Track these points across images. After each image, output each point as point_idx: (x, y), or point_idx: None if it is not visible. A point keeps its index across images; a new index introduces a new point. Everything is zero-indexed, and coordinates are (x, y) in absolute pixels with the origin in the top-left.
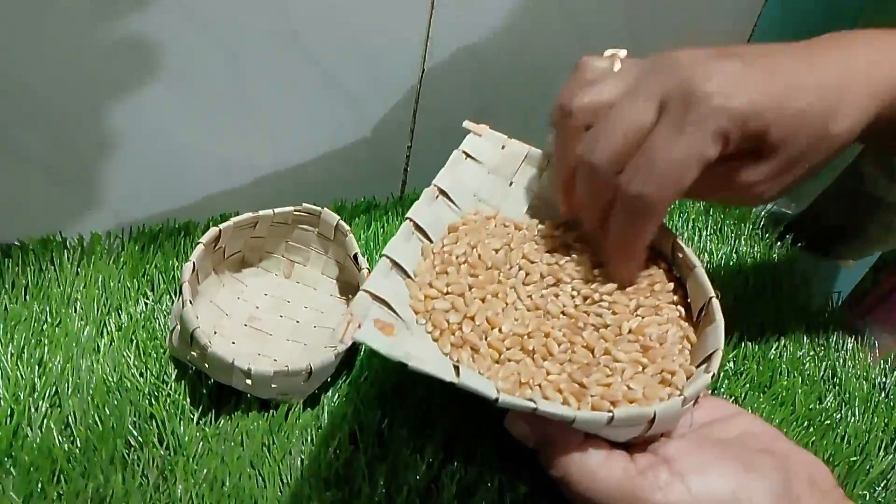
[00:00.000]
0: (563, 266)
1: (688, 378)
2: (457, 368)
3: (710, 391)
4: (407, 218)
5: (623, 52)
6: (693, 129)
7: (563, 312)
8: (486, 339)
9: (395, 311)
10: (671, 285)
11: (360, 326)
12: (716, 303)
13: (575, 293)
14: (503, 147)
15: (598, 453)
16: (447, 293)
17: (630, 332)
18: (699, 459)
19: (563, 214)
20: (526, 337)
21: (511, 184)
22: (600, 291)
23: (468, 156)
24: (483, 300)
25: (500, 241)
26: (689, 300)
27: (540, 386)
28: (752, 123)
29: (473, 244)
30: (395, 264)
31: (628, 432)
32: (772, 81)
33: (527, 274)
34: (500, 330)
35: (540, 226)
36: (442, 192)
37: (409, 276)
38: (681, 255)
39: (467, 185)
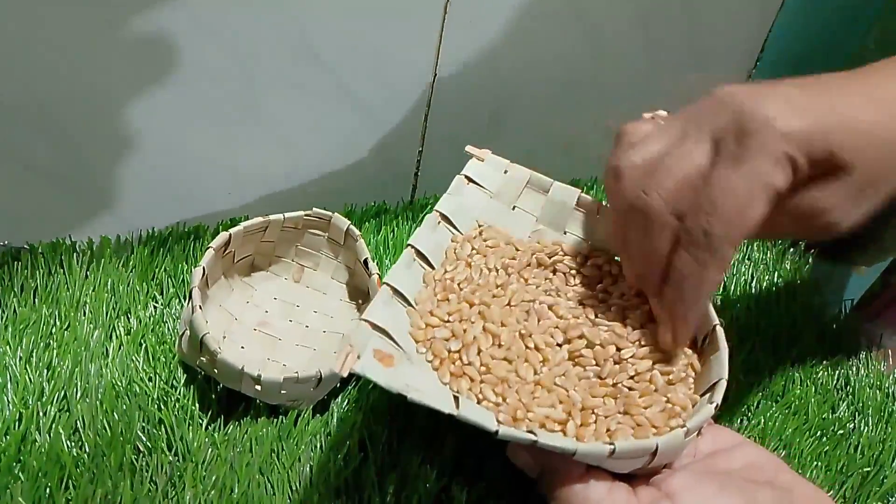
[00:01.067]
0: (566, 291)
1: (693, 406)
2: (457, 399)
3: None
4: (408, 245)
5: (663, 113)
6: (755, 158)
7: (563, 341)
8: (487, 369)
9: (395, 341)
10: None
11: (359, 357)
12: (720, 331)
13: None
14: (505, 172)
15: (600, 486)
16: (447, 321)
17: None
18: (702, 494)
19: (630, 286)
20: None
21: (514, 208)
22: (602, 317)
23: (470, 180)
24: (485, 328)
25: (500, 261)
26: None
27: (530, 420)
28: (819, 144)
29: (474, 268)
30: (397, 292)
31: (631, 464)
32: (833, 100)
33: (528, 301)
34: (505, 359)
35: (538, 249)
36: (444, 217)
37: (409, 305)
38: None
39: (470, 210)
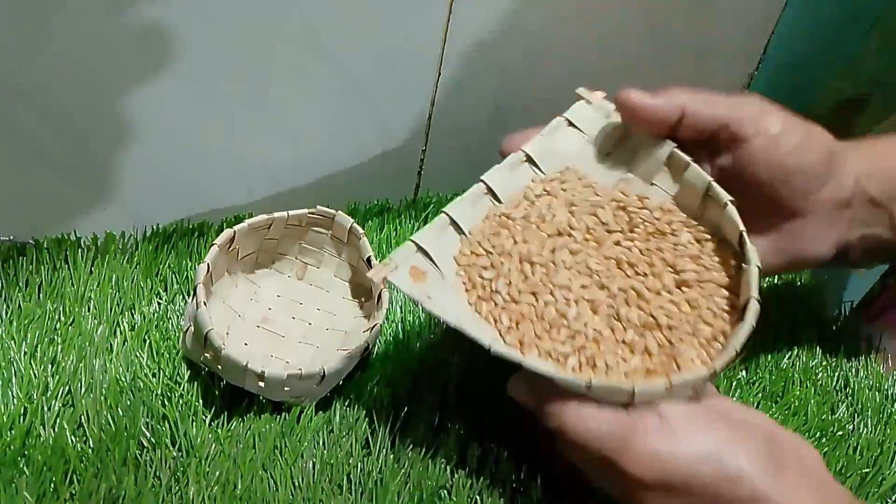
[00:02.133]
0: (627, 239)
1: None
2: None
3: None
4: (480, 180)
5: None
6: None
7: (602, 285)
8: (512, 299)
9: (434, 262)
10: (724, 279)
11: (396, 268)
12: (753, 305)
13: (625, 264)
14: (608, 117)
15: (593, 404)
16: (490, 252)
17: (655, 315)
18: (691, 418)
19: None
20: (554, 300)
21: (608, 155)
22: (648, 265)
23: (570, 123)
24: (524, 262)
25: (568, 204)
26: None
27: (538, 347)
28: None
29: (535, 208)
30: (453, 222)
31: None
32: None
33: (581, 241)
34: (533, 293)
35: (617, 196)
36: (529, 157)
37: (464, 234)
38: (741, 249)
39: (560, 153)
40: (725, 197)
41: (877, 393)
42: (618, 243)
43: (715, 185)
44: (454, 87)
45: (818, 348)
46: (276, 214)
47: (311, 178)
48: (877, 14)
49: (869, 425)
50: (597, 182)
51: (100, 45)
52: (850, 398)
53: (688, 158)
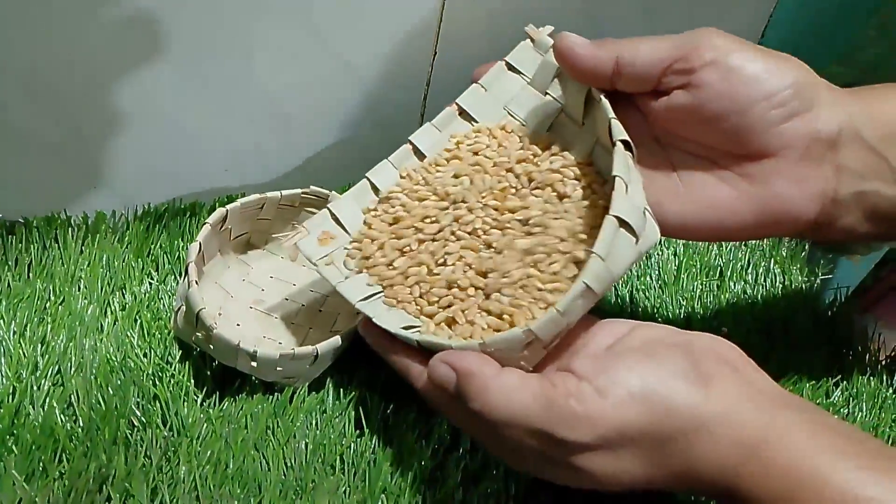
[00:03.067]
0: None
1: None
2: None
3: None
4: (408, 140)
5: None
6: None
7: (480, 245)
8: (391, 262)
9: (343, 227)
10: (583, 197)
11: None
12: (610, 220)
13: (487, 217)
14: (545, 53)
15: (512, 376)
16: (389, 212)
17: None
18: (601, 364)
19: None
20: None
21: (545, 94)
22: (509, 210)
23: (511, 68)
24: (414, 226)
25: (474, 161)
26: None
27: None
28: None
29: (446, 168)
30: (373, 185)
31: (519, 356)
32: None
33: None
34: (418, 259)
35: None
36: (462, 111)
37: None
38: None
39: (499, 98)
40: (610, 113)
41: (871, 378)
42: (504, 204)
43: (614, 121)
44: (449, 69)
45: (813, 333)
46: (269, 194)
47: (304, 160)
48: (876, 0)
49: (863, 409)
50: (527, 128)
51: (91, 28)
52: (844, 383)
53: (600, 95)
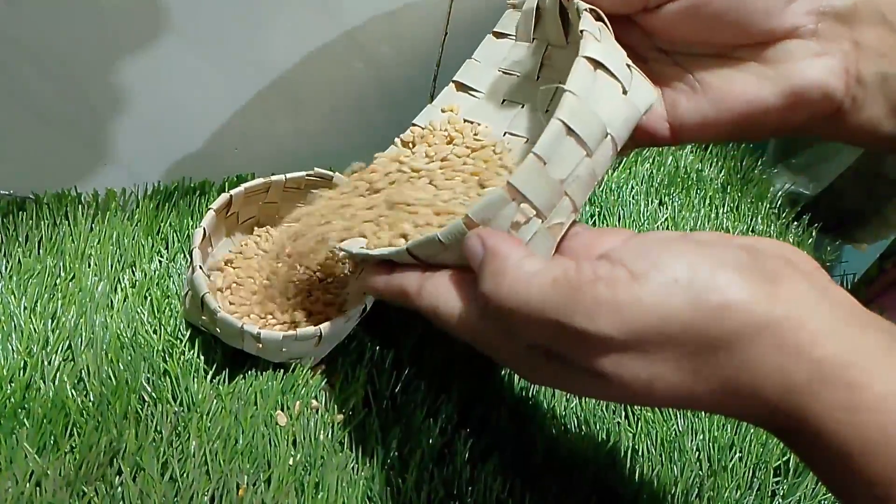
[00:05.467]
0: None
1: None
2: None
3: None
4: (413, 123)
5: None
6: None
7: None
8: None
9: None
10: None
11: None
12: (580, 61)
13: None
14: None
15: (534, 261)
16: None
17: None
18: (642, 248)
19: None
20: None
21: (533, 40)
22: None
23: (499, 35)
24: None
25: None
26: None
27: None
28: None
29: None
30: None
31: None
32: None
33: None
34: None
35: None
36: (461, 85)
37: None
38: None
39: (493, 63)
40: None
41: None
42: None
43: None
44: (460, 50)
45: None
46: (274, 178)
47: (313, 139)
48: None
49: None
50: (521, 77)
51: (103, 4)
52: None
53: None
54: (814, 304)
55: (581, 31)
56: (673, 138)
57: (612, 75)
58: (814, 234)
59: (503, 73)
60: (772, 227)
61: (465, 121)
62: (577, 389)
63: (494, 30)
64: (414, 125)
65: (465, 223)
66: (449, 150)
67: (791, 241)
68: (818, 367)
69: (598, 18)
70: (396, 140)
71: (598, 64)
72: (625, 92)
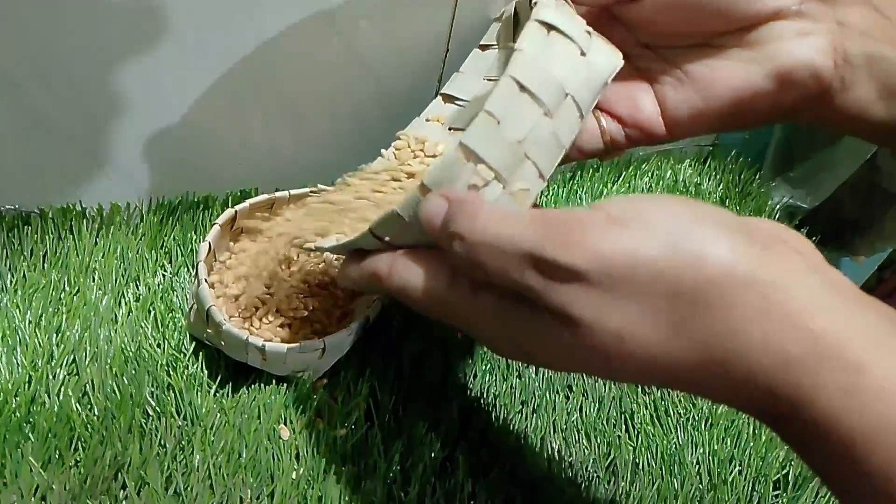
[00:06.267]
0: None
1: None
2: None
3: None
4: (398, 136)
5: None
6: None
7: None
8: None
9: None
10: None
11: None
12: (531, 23)
13: None
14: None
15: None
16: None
17: None
18: (626, 198)
19: None
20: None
21: (511, 44)
22: None
23: (484, 48)
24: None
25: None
26: None
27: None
28: None
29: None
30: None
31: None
32: None
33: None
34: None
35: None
36: (448, 97)
37: None
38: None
39: (479, 73)
40: None
41: None
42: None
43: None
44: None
45: None
46: (278, 194)
47: (316, 152)
48: None
49: None
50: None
51: (107, 14)
52: None
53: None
54: (804, 275)
55: (534, 2)
56: (668, 134)
57: (567, 37)
58: None
59: (486, 80)
60: None
61: (450, 129)
62: (548, 349)
63: (481, 43)
64: (400, 137)
65: (421, 191)
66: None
67: None
68: (813, 340)
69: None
70: (384, 152)
71: (550, 27)
72: (583, 54)
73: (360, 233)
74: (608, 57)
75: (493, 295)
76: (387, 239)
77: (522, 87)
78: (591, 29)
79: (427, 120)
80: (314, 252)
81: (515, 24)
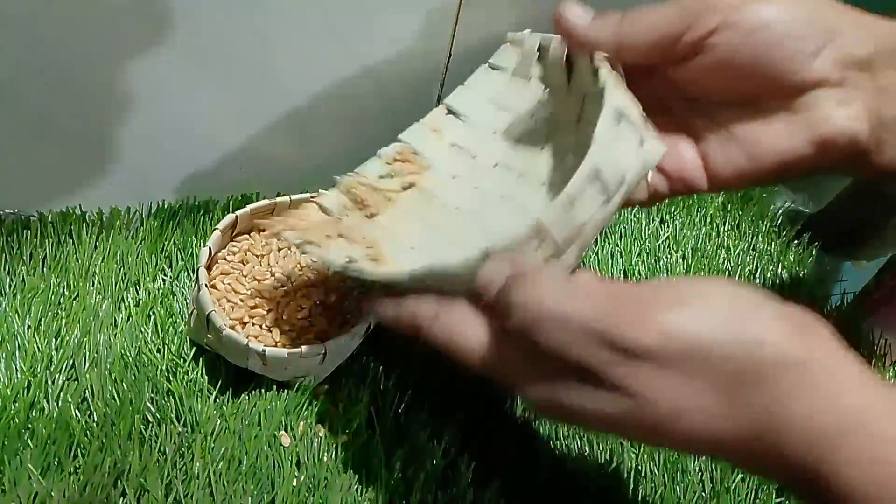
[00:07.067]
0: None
1: None
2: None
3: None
4: (398, 139)
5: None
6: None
7: None
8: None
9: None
10: None
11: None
12: (608, 109)
13: None
14: (524, 46)
15: (570, 277)
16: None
17: None
18: (682, 280)
19: None
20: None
21: (529, 79)
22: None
23: (494, 68)
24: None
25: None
26: None
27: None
28: None
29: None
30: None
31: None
32: None
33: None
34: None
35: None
36: (451, 111)
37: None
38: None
39: (485, 94)
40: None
41: None
42: None
43: (597, 56)
44: (464, 69)
45: None
46: (279, 199)
47: (317, 157)
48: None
49: None
50: (513, 115)
51: (108, 18)
52: None
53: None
54: (841, 362)
55: (604, 80)
56: (709, 188)
57: (633, 126)
58: (814, 251)
59: (497, 107)
60: (772, 245)
61: (451, 144)
62: (592, 417)
63: (490, 62)
64: (399, 141)
65: (482, 255)
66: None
67: (791, 258)
68: (844, 415)
69: (612, 67)
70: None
71: (621, 115)
72: (641, 143)
73: (395, 272)
74: (657, 146)
75: (544, 363)
76: (427, 285)
77: (597, 176)
78: (643, 114)
79: (425, 126)
80: (322, 264)
81: (539, 58)
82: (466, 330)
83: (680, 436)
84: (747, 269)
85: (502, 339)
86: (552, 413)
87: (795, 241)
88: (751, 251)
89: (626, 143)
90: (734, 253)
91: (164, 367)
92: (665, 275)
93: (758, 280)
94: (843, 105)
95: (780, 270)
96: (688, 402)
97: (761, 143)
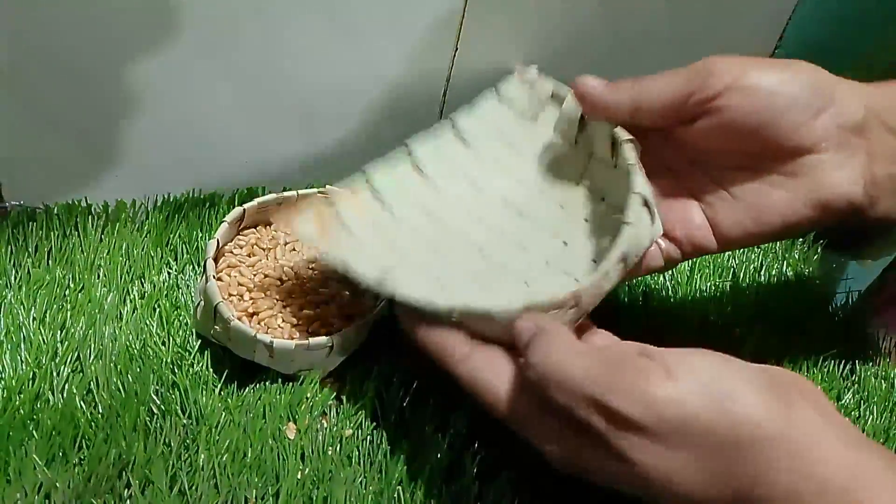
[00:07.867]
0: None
1: None
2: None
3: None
4: (404, 143)
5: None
6: None
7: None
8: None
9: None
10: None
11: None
12: (635, 196)
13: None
14: (533, 87)
15: (583, 342)
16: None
17: None
18: (673, 352)
19: None
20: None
21: (533, 119)
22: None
23: (502, 99)
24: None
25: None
26: None
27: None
28: None
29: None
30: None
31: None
32: None
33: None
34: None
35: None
36: (457, 133)
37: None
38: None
39: (492, 124)
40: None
41: (883, 381)
42: None
43: (618, 129)
44: (470, 67)
45: (825, 336)
46: (286, 194)
47: (323, 153)
48: (893, 7)
49: (874, 412)
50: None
51: (116, 12)
52: (856, 386)
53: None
54: (821, 429)
55: (628, 160)
56: (719, 248)
57: (651, 211)
58: (819, 250)
59: (503, 143)
60: (777, 244)
61: (457, 168)
62: (603, 473)
63: (499, 91)
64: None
65: (522, 308)
66: None
67: (797, 256)
68: (825, 484)
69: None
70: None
71: (646, 202)
72: (653, 223)
73: (435, 303)
74: (659, 226)
75: (558, 419)
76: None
77: (624, 259)
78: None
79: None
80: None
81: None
82: (494, 376)
83: (673, 498)
84: (752, 268)
85: (524, 390)
86: (568, 468)
87: (801, 239)
88: (756, 249)
89: (646, 224)
90: (739, 251)
91: (169, 360)
92: (670, 272)
93: (762, 278)
94: (840, 168)
95: (784, 268)
96: (676, 471)
97: (765, 207)
